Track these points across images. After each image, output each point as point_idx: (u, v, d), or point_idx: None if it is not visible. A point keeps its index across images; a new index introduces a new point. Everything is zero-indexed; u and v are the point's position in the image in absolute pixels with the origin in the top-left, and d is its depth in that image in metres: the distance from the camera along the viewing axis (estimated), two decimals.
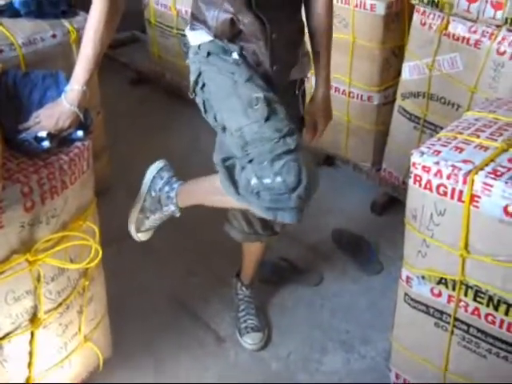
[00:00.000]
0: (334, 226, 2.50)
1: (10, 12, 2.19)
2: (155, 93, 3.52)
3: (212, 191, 1.66)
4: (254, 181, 1.48)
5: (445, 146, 1.47)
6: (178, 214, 1.85)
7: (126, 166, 2.77)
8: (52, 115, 1.48)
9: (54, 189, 1.43)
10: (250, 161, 1.48)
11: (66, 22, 2.22)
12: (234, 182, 1.55)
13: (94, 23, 1.46)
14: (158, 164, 1.94)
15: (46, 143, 1.45)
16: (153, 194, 1.90)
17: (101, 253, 1.56)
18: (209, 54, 1.56)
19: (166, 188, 1.86)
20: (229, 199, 1.58)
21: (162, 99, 3.43)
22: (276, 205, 1.48)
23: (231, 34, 1.54)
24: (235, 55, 1.54)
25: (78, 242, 1.52)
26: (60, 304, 1.56)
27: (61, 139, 1.49)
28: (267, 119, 1.45)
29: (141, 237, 1.99)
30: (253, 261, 2.00)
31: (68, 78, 1.59)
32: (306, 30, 1.66)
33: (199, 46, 1.59)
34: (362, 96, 2.50)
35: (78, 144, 1.51)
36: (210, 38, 1.56)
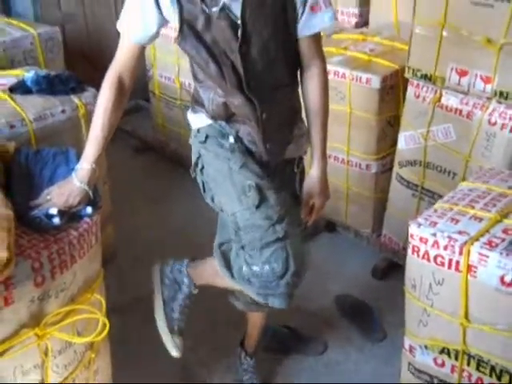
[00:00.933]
0: (336, 291, 2.52)
1: (22, 89, 2.29)
2: (159, 162, 3.60)
3: (214, 274, 1.74)
4: (244, 268, 1.60)
5: (441, 217, 1.53)
6: (194, 290, 1.86)
7: (130, 234, 2.82)
8: (63, 193, 1.54)
9: (64, 263, 1.47)
10: (243, 247, 1.59)
11: (75, 98, 2.32)
12: (229, 267, 1.66)
13: (102, 109, 1.56)
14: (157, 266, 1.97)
15: (56, 220, 1.51)
16: (166, 281, 1.90)
17: (108, 326, 1.59)
18: (207, 137, 1.64)
19: (177, 266, 1.89)
20: (228, 281, 1.68)
21: (166, 168, 3.51)
22: (266, 291, 1.59)
23: (226, 116, 1.61)
24: (231, 139, 1.61)
25: (85, 316, 1.55)
26: (66, 378, 1.57)
27: (70, 215, 1.54)
28: (258, 206, 1.54)
29: (177, 342, 1.86)
30: (256, 327, 2.03)
31: (77, 153, 1.68)
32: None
33: (198, 130, 1.67)
34: (360, 164, 2.58)
35: (87, 219, 1.56)
36: (208, 121, 1.64)
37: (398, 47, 2.64)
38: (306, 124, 1.69)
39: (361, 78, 2.41)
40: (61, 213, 1.51)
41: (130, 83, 1.59)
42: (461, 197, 1.63)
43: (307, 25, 1.49)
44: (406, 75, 2.33)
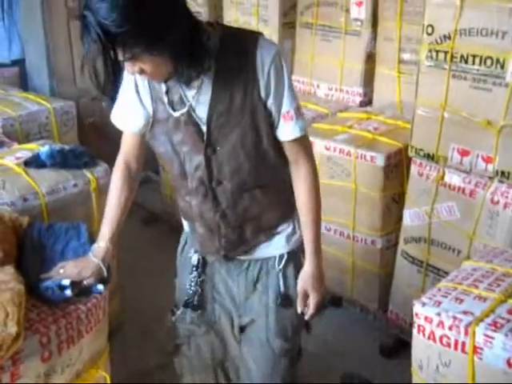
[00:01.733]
0: (343, 369, 2.49)
1: (36, 163, 2.36)
2: (167, 233, 3.63)
3: None
4: None
5: (445, 296, 1.54)
6: None
7: (137, 305, 2.82)
8: (77, 266, 1.59)
9: (71, 339, 1.49)
10: None
11: (87, 172, 2.38)
12: None
13: (113, 193, 1.66)
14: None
15: (68, 292, 1.53)
16: None
17: None
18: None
19: None
20: None
21: (173, 239, 3.51)
22: None
23: (189, 217, 1.65)
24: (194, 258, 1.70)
25: None
26: None
27: (82, 288, 1.56)
28: None
29: None
30: None
31: (88, 228, 1.76)
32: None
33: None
34: (365, 240, 2.61)
35: (96, 294, 1.59)
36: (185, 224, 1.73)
37: (401, 126, 2.73)
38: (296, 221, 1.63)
39: (365, 155, 2.47)
40: (73, 285, 1.54)
41: (137, 166, 1.67)
42: (465, 276, 1.65)
43: (282, 131, 1.47)
44: (410, 154, 2.39)
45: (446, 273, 2.37)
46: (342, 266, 2.71)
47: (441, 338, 1.47)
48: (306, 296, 1.60)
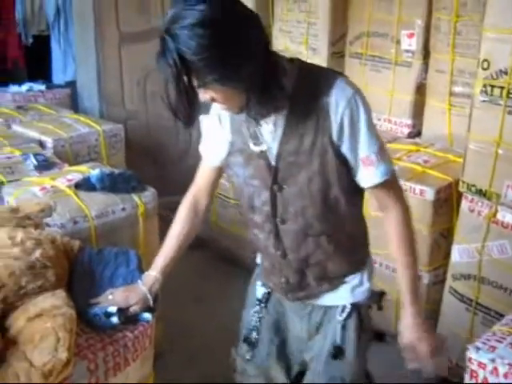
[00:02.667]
0: None
1: (86, 186, 2.40)
2: (212, 259, 3.64)
3: None
4: None
5: (500, 341, 1.49)
6: None
7: (179, 332, 2.82)
8: (125, 292, 1.60)
9: (118, 366, 1.50)
10: None
11: (135, 197, 2.41)
12: None
13: (175, 225, 1.67)
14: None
15: (114, 319, 1.54)
16: None
17: None
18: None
19: None
20: None
21: (219, 266, 3.54)
22: None
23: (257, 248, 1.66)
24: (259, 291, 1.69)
25: None
26: None
27: (128, 316, 1.57)
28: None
29: None
30: None
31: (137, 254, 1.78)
32: None
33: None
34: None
35: (143, 322, 1.59)
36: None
37: (451, 159, 2.69)
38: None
39: (415, 189, 2.44)
40: (120, 312, 1.54)
41: (206, 203, 1.67)
42: None
43: (362, 177, 1.41)
44: (461, 189, 2.35)
45: (497, 312, 2.30)
46: (385, 300, 2.65)
47: None
48: (412, 349, 1.51)
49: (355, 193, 1.47)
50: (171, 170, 4.06)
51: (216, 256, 3.64)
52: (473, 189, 2.29)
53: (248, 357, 1.68)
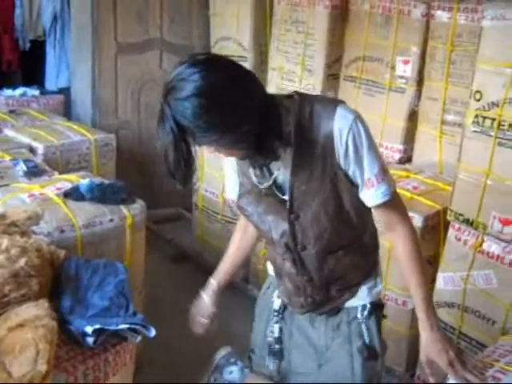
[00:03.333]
0: None
1: (75, 196, 2.39)
2: (195, 272, 3.61)
3: None
4: None
5: (482, 373, 1.49)
6: None
7: (158, 345, 2.78)
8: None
9: (97, 380, 1.49)
10: None
11: (124, 208, 2.40)
12: None
13: (230, 246, 1.84)
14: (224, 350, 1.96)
15: (90, 340, 1.51)
16: (218, 376, 1.91)
17: None
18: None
19: (237, 373, 1.87)
20: None
21: (202, 280, 3.49)
22: None
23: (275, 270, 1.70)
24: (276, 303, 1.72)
25: None
26: None
27: (109, 334, 1.55)
28: None
29: None
30: None
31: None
32: None
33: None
34: (396, 300, 2.56)
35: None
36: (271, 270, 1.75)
37: (440, 187, 2.70)
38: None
39: None
40: (96, 334, 1.52)
41: (254, 230, 1.73)
42: (502, 353, 1.60)
43: (365, 198, 1.47)
44: (448, 218, 2.36)
45: (479, 343, 2.31)
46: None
47: None
48: (431, 363, 1.55)
49: (363, 204, 1.50)
50: (161, 182, 4.06)
51: (200, 270, 3.62)
52: (460, 218, 2.30)
53: (275, 367, 1.73)
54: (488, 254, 2.24)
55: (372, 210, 1.54)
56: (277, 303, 1.72)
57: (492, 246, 2.23)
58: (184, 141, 1.28)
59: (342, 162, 1.42)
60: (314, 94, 3.26)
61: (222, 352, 1.93)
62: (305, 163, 1.44)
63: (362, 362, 1.61)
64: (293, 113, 1.41)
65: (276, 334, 1.71)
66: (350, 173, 1.44)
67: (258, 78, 1.36)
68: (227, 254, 1.83)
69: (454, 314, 2.38)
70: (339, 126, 1.39)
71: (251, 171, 1.52)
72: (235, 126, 1.27)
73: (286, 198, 1.48)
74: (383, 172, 1.45)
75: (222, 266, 1.84)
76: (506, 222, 2.16)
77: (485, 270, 2.25)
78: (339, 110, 1.41)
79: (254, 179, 1.51)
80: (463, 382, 1.47)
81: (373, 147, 1.43)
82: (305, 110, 1.42)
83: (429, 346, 1.54)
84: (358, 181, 1.45)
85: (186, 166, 1.31)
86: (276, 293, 1.72)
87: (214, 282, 1.84)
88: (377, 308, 1.66)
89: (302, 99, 1.45)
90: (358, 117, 1.41)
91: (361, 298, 1.63)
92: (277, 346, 1.71)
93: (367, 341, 1.61)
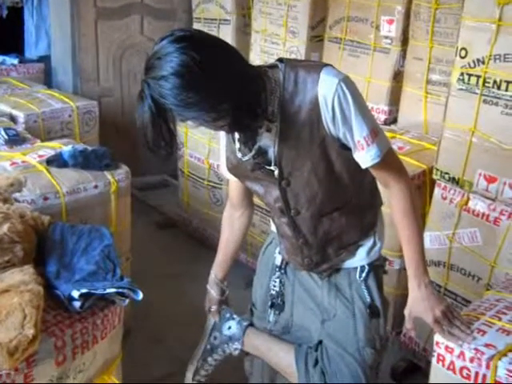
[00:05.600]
0: None
1: (58, 162, 2.36)
2: (180, 239, 3.63)
3: (280, 359, 1.77)
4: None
5: (468, 328, 1.50)
6: (236, 353, 1.89)
7: (146, 311, 2.80)
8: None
9: (86, 343, 1.47)
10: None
11: (108, 174, 2.38)
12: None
13: (222, 238, 1.87)
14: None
15: (77, 304, 1.49)
16: (215, 336, 1.94)
17: None
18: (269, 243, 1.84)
19: (235, 326, 1.90)
20: (291, 372, 1.72)
21: (187, 246, 3.54)
22: None
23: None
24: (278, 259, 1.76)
25: None
26: None
27: (96, 299, 1.54)
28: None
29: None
30: None
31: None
32: None
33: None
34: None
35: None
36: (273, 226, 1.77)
37: (425, 147, 2.70)
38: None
39: None
40: (83, 298, 1.50)
41: (242, 210, 1.80)
42: (488, 306, 1.61)
43: (358, 159, 1.46)
44: (434, 177, 2.36)
45: (464, 299, 2.34)
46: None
47: (461, 370, 1.44)
48: (414, 319, 1.56)
49: (356, 163, 1.49)
50: (145, 149, 4.01)
51: (186, 236, 3.64)
52: (446, 176, 2.30)
53: (275, 319, 1.79)
54: (473, 211, 2.25)
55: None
56: (278, 259, 1.76)
57: (477, 204, 2.24)
58: (164, 119, 1.27)
59: (330, 126, 1.41)
60: (299, 57, 3.23)
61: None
62: (292, 131, 1.43)
63: (364, 322, 1.65)
64: (278, 83, 1.40)
65: (277, 288, 1.76)
66: (341, 136, 1.43)
67: (239, 53, 1.33)
68: (220, 249, 1.89)
69: (441, 272, 2.40)
70: (324, 91, 1.37)
71: (236, 145, 1.51)
72: (215, 104, 1.25)
73: (273, 167, 1.48)
74: (374, 133, 1.42)
75: (217, 260, 1.90)
76: (490, 180, 2.17)
77: (470, 228, 2.27)
78: (323, 75, 1.38)
79: (239, 154, 1.51)
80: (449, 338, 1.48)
81: (361, 108, 1.40)
82: (289, 78, 1.41)
83: (414, 303, 1.56)
84: (350, 143, 1.44)
85: (166, 145, 1.31)
86: (278, 249, 1.75)
87: (213, 275, 1.91)
88: (376, 268, 1.69)
89: (286, 66, 1.43)
90: (342, 79, 1.38)
91: (360, 259, 1.65)
92: (279, 300, 1.76)
93: (368, 300, 1.65)
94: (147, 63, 1.26)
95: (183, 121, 1.31)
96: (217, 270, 1.91)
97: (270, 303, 1.78)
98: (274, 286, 1.76)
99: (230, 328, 1.89)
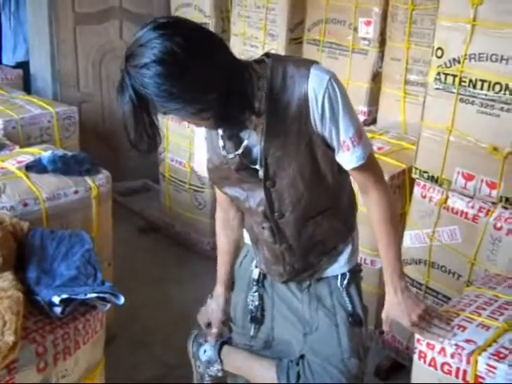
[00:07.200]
0: None
1: (37, 168, 2.34)
2: (163, 243, 3.62)
3: (262, 376, 1.72)
4: None
5: (448, 324, 1.52)
6: (220, 374, 1.84)
7: (130, 316, 2.79)
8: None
9: (67, 349, 1.47)
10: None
11: (88, 180, 2.37)
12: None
13: (218, 243, 1.79)
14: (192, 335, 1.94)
15: (57, 310, 1.49)
16: (198, 362, 1.88)
17: None
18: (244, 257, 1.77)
19: (209, 349, 1.85)
20: None
21: (170, 250, 3.52)
22: None
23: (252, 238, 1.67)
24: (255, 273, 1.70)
25: None
26: None
27: (77, 304, 1.53)
28: None
29: None
30: None
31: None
32: None
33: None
34: (365, 260, 2.58)
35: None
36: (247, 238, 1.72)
37: (404, 146, 2.72)
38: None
39: None
40: (64, 304, 1.49)
41: (234, 212, 1.70)
42: (467, 302, 1.64)
43: (341, 161, 1.44)
44: (413, 176, 2.39)
45: (445, 296, 2.36)
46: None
47: (442, 366, 1.46)
48: (391, 322, 1.58)
49: (339, 166, 1.48)
50: (126, 154, 4.00)
51: (169, 240, 3.62)
52: (425, 175, 2.33)
53: (253, 334, 1.74)
54: (453, 209, 2.27)
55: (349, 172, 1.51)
56: (255, 272, 1.70)
57: (456, 202, 2.26)
58: (146, 111, 1.21)
59: (318, 124, 1.38)
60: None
61: (191, 339, 1.91)
62: (279, 128, 1.39)
63: (347, 331, 1.61)
64: (264, 77, 1.36)
65: (256, 303, 1.70)
66: (327, 135, 1.40)
67: (224, 42, 1.28)
68: (220, 264, 1.80)
69: (421, 270, 2.42)
70: (314, 87, 1.35)
71: (220, 143, 1.46)
72: (199, 95, 1.19)
73: (258, 167, 1.43)
74: (359, 134, 1.42)
75: (219, 275, 1.81)
76: (469, 178, 2.19)
77: (450, 226, 2.29)
78: (313, 71, 1.36)
79: (223, 152, 1.45)
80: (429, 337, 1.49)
81: (349, 108, 1.40)
82: (277, 73, 1.37)
83: (391, 308, 1.56)
84: (334, 143, 1.42)
85: (148, 137, 1.25)
86: (254, 262, 1.70)
87: (218, 286, 1.82)
88: (356, 274, 1.67)
89: (273, 61, 1.39)
90: (333, 77, 1.37)
91: (340, 266, 1.62)
92: (258, 313, 1.70)
93: (350, 309, 1.62)
94: (128, 51, 1.20)
95: (166, 113, 1.24)
96: (221, 278, 1.80)
97: (249, 318, 1.73)
98: (253, 301, 1.70)
99: (205, 352, 1.83)
